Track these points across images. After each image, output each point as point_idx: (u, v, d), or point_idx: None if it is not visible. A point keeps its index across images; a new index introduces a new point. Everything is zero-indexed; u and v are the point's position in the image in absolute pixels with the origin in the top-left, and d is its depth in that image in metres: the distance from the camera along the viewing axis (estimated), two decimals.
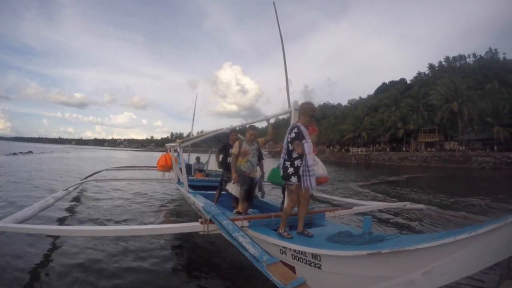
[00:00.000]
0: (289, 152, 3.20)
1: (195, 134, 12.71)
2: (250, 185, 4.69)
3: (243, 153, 4.68)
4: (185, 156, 11.27)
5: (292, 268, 2.75)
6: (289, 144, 3.18)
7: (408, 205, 6.28)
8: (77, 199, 7.83)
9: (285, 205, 3.41)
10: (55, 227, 4.34)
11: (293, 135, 3.15)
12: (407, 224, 6.51)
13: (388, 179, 17.61)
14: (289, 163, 3.18)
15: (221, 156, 5.87)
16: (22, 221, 3.95)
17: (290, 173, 3.14)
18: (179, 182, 7.41)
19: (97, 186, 10.15)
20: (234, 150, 4.76)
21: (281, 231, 3.06)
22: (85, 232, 3.64)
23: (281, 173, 3.28)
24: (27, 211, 4.33)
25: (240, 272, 3.63)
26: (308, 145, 3.03)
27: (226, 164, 5.59)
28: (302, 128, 3.19)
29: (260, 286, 3.05)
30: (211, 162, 10.46)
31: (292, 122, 3.85)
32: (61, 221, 5.75)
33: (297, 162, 3.11)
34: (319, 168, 3.27)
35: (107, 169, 13.21)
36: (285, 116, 4.40)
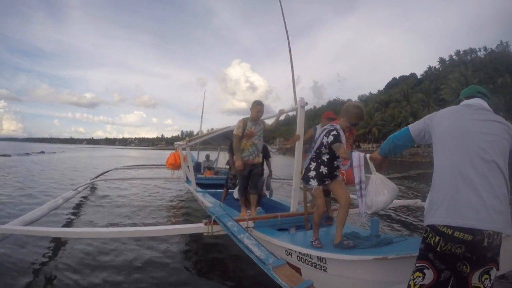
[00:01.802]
0: (317, 155, 2.87)
1: (204, 131, 12.75)
2: (251, 171, 4.19)
3: (248, 135, 4.08)
4: (194, 154, 11.31)
5: (298, 270, 2.72)
6: (323, 148, 2.81)
7: (419, 202, 6.15)
8: (86, 199, 7.91)
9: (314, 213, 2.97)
10: (60, 229, 4.38)
11: (331, 138, 2.70)
12: (417, 223, 6.36)
13: (399, 175, 17.39)
14: (313, 166, 2.87)
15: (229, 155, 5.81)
16: (31, 223, 3.96)
17: (311, 176, 2.86)
18: (187, 180, 7.42)
19: (106, 186, 10.25)
20: (237, 131, 4.06)
21: (312, 240, 2.76)
22: (90, 233, 3.64)
23: (302, 175, 3.05)
24: (36, 212, 4.33)
25: (248, 272, 3.60)
26: (357, 155, 2.46)
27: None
28: (341, 132, 2.78)
29: (267, 284, 3.02)
30: (220, 160, 10.48)
31: (298, 120, 3.75)
32: (70, 222, 5.78)
33: (323, 168, 2.81)
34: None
35: (116, 168, 13.34)
36: (294, 112, 4.28)
